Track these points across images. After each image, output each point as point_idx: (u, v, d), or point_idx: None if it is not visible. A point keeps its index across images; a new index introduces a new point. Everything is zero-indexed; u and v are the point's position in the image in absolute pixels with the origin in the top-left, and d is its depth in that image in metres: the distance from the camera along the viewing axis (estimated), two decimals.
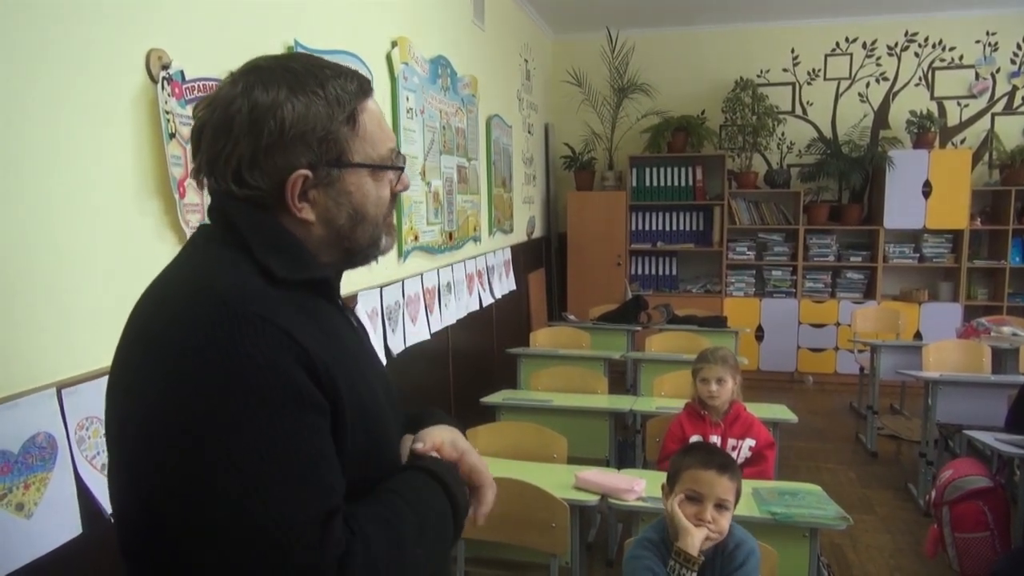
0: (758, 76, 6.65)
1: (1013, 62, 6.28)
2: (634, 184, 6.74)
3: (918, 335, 6.05)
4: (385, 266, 3.17)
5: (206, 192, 0.95)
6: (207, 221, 0.96)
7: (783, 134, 6.68)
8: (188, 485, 0.77)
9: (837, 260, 6.50)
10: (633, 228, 6.81)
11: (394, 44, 3.28)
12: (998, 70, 6.31)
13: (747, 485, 2.39)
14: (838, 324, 6.37)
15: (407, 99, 3.41)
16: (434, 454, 0.97)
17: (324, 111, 0.90)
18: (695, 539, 1.58)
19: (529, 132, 6.21)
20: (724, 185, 6.56)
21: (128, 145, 1.74)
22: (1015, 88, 6.28)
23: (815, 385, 6.47)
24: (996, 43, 6.28)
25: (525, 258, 5.93)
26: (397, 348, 3.19)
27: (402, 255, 3.34)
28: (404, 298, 3.31)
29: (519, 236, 5.81)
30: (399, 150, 1.01)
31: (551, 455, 2.73)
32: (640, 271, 6.91)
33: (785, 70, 6.68)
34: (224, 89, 0.90)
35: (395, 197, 1.02)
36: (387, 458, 0.95)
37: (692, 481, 1.69)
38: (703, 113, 6.76)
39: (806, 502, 2.23)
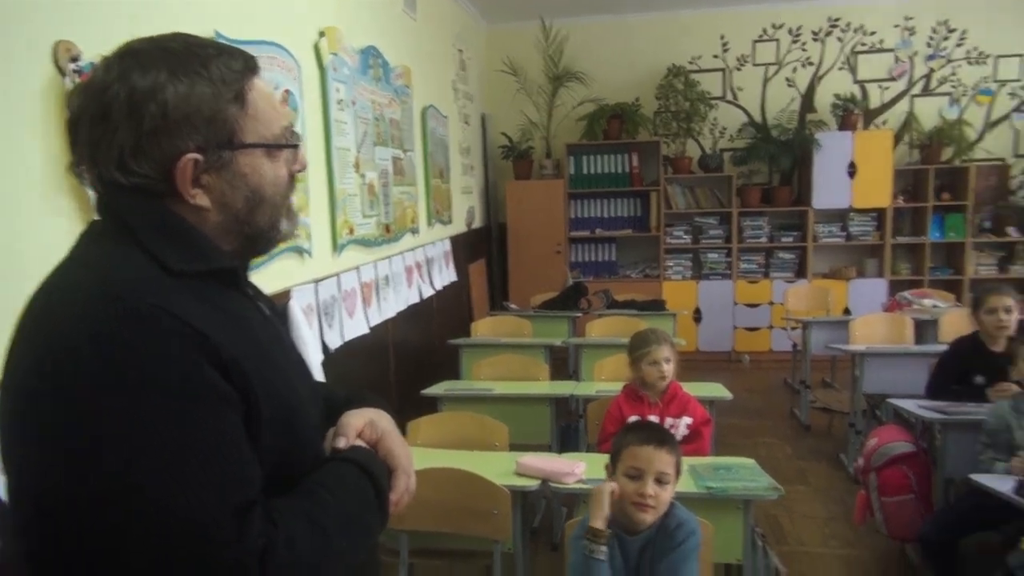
0: (689, 63, 6.77)
1: (929, 45, 6.53)
2: (572, 172, 6.79)
3: (847, 311, 6.25)
4: (320, 260, 3.13)
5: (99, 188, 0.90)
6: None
7: (715, 119, 6.82)
8: (95, 485, 0.74)
9: (770, 241, 6.68)
10: (572, 216, 6.87)
11: (322, 34, 3.23)
12: (915, 54, 6.56)
13: (685, 462, 2.43)
14: (772, 303, 6.56)
15: (337, 90, 3.36)
16: (359, 443, 0.96)
17: (209, 91, 0.87)
18: (601, 513, 1.59)
19: (466, 122, 6.19)
20: (660, 171, 6.67)
21: (36, 141, 1.67)
22: (932, 71, 6.55)
23: (751, 363, 6.65)
24: (913, 27, 6.53)
25: (465, 249, 5.92)
26: (334, 343, 3.15)
27: (337, 249, 3.30)
28: (340, 292, 3.27)
29: (458, 227, 5.79)
30: (293, 127, 0.98)
31: (493, 443, 2.74)
32: (580, 258, 6.98)
33: (715, 56, 6.82)
34: (98, 75, 0.86)
35: (293, 178, 0.98)
36: (308, 450, 0.93)
37: (632, 458, 1.72)
38: (637, 100, 6.84)
39: (740, 475, 2.30)
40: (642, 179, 6.76)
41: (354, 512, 0.89)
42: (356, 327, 3.44)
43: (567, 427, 3.74)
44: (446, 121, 5.47)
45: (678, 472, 1.75)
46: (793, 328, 5.57)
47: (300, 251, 2.94)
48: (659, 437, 1.77)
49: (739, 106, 6.83)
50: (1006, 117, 6.48)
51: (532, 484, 2.30)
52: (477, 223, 6.49)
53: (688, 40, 6.79)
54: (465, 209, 6.07)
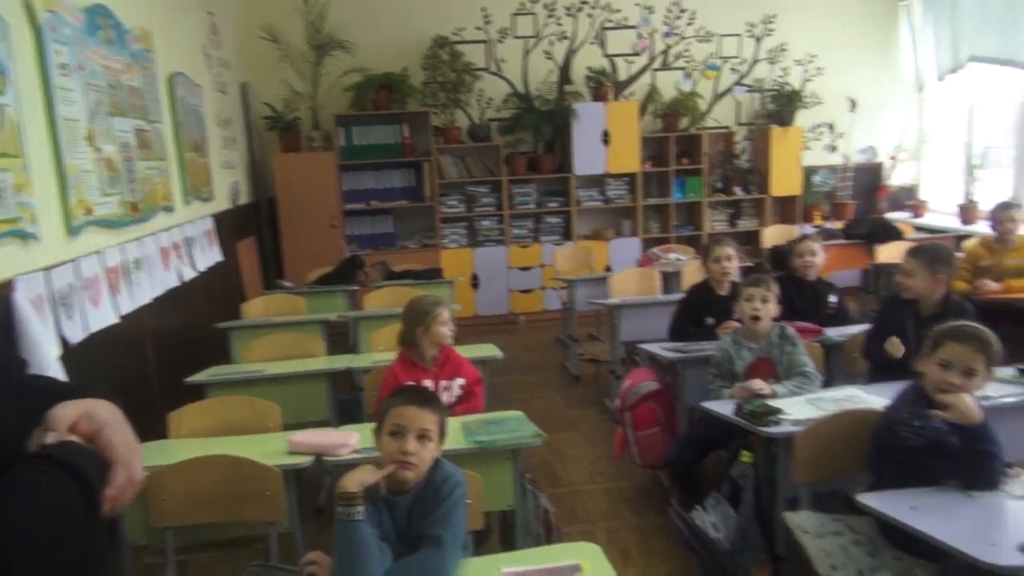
0: (454, 34, 6.86)
1: (665, 24, 7.19)
2: (343, 143, 6.65)
3: (608, 268, 6.80)
4: (50, 245, 2.80)
5: None
6: None
7: (481, 90, 7.00)
8: None
9: (538, 207, 7.05)
10: (345, 188, 6.74)
11: None
12: (654, 31, 7.19)
13: (458, 421, 2.56)
14: (542, 266, 6.95)
15: (59, 53, 2.99)
16: (71, 437, 0.88)
17: None
18: (354, 477, 1.62)
19: (223, 92, 5.80)
20: (431, 141, 6.74)
21: None
22: (668, 47, 7.22)
23: (527, 323, 7.02)
24: (652, 7, 7.14)
25: (232, 227, 5.59)
26: (76, 336, 2.85)
27: (72, 231, 2.97)
28: (80, 280, 2.96)
29: (222, 203, 5.45)
30: None
31: (266, 425, 2.66)
32: (357, 231, 6.89)
33: (478, 28, 6.97)
34: None
35: None
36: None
37: (396, 417, 1.75)
38: (406, 70, 6.81)
39: (508, 427, 2.45)
40: (414, 149, 6.79)
41: (42, 518, 0.78)
42: (103, 317, 3.13)
43: (348, 401, 3.71)
44: (199, 90, 5.09)
45: (443, 432, 1.82)
46: (562, 288, 5.94)
47: (23, 236, 2.60)
48: (422, 397, 1.83)
49: (503, 77, 7.06)
50: (729, 90, 7.35)
51: (304, 461, 2.28)
52: (244, 199, 6.14)
53: (451, 11, 6.88)
54: (228, 184, 5.71)
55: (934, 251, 3.06)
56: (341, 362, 3.52)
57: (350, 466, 2.24)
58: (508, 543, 2.50)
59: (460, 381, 2.91)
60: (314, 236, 6.47)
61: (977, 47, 6.39)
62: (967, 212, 6.44)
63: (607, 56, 7.15)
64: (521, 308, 7.06)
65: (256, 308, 4.58)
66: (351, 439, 2.32)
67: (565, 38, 7.09)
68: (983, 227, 5.26)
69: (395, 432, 1.73)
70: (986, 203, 6.15)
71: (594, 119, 6.81)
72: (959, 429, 1.95)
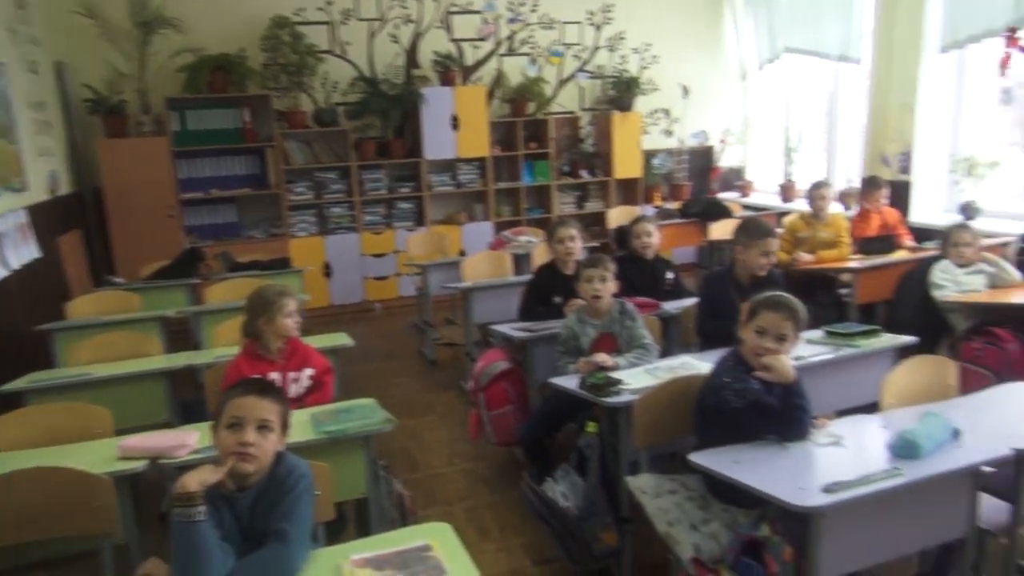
0: (294, 15, 6.59)
1: (510, 10, 7.28)
2: (176, 128, 6.25)
3: (463, 252, 6.84)
4: None
5: None
6: None
7: (326, 73, 6.79)
8: None
9: (389, 193, 6.96)
10: (182, 176, 6.35)
11: None
12: (499, 17, 7.26)
13: (306, 412, 2.51)
14: (396, 252, 6.89)
15: None
16: None
17: None
18: (194, 476, 1.57)
19: (33, 72, 5.26)
20: (274, 126, 6.48)
21: None
22: (513, 33, 7.32)
23: (383, 311, 6.95)
24: None
25: (52, 219, 5.11)
26: None
27: None
28: None
29: (38, 195, 4.97)
30: None
31: (94, 432, 2.47)
32: (197, 222, 6.52)
33: (320, 9, 6.74)
34: None
35: None
36: None
37: (234, 408, 1.69)
38: (243, 51, 6.47)
39: (358, 415, 2.42)
40: (256, 135, 6.50)
41: None
42: None
43: (190, 401, 3.52)
44: (4, 69, 4.59)
45: (285, 424, 1.78)
46: (416, 273, 5.92)
47: None
48: (261, 387, 1.78)
49: (348, 60, 6.89)
50: (573, 76, 7.58)
51: (138, 466, 2.15)
52: (65, 189, 5.63)
53: None
54: (45, 174, 5.21)
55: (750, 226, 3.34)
56: (180, 360, 3.33)
57: (191, 469, 2.15)
58: (364, 531, 2.49)
59: (309, 372, 2.84)
60: (148, 228, 6.04)
61: (791, 39, 6.98)
62: (786, 191, 7.04)
63: (453, 41, 7.15)
64: (376, 295, 6.97)
65: (83, 307, 4.23)
66: (189, 439, 2.21)
67: (411, 21, 7.01)
68: (802, 204, 5.77)
69: (233, 424, 1.67)
70: (803, 182, 6.76)
71: (443, 104, 6.80)
72: (775, 388, 2.15)
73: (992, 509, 2.11)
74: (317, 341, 3.32)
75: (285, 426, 1.78)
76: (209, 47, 6.29)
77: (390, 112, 6.77)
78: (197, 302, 4.77)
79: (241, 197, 6.59)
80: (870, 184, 5.07)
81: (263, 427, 1.68)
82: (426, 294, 5.36)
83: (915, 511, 1.92)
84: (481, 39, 7.24)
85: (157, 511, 3.16)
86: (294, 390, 2.80)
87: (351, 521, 2.63)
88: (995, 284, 3.76)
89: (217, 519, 1.61)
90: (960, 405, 2.38)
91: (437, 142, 6.84)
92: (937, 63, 5.48)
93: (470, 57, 7.23)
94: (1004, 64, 4.90)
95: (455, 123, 6.86)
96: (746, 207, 7.16)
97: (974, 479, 1.99)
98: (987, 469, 2.01)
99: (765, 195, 7.59)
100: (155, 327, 3.90)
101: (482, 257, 5.16)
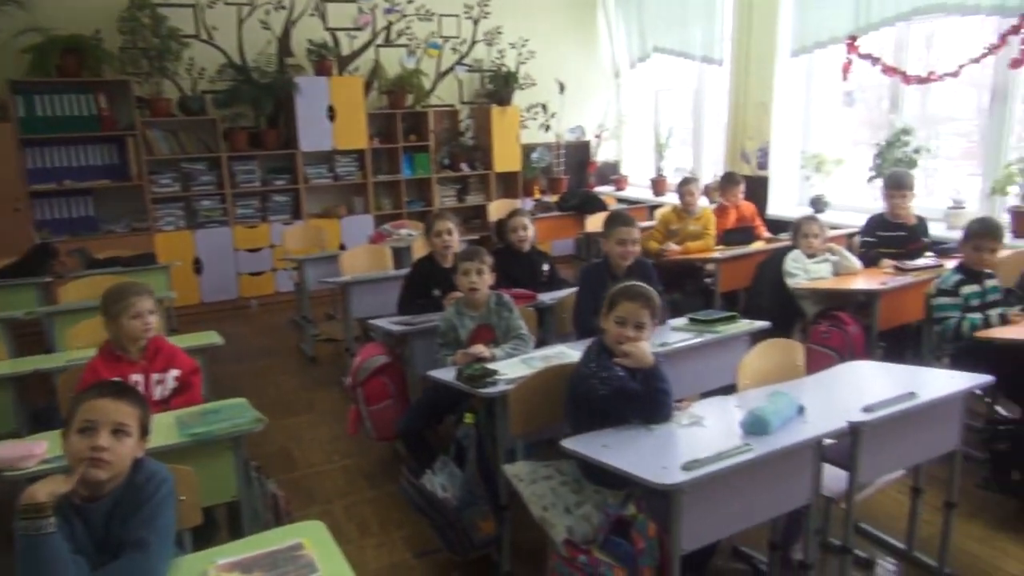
0: None
1: (387, 1, 7.18)
2: (22, 114, 5.76)
3: (343, 246, 6.72)
4: None
5: None
6: None
7: (191, 59, 6.46)
8: None
9: (263, 185, 6.73)
10: (31, 166, 5.87)
11: None
12: (375, 6, 7.15)
13: (171, 415, 2.40)
14: (272, 246, 6.67)
15: None
16: None
17: None
18: (43, 487, 1.48)
19: None
20: (135, 114, 6.10)
21: None
22: (390, 23, 7.24)
23: (260, 307, 6.71)
24: None
25: None
26: None
27: None
28: None
29: None
30: None
31: None
32: (49, 215, 6.05)
33: None
34: None
35: None
36: None
37: (86, 412, 1.59)
38: (98, 33, 6.04)
39: (226, 416, 2.34)
40: (115, 123, 6.10)
41: None
42: None
43: (43, 409, 3.28)
44: None
45: (145, 428, 1.70)
46: (293, 268, 5.76)
47: None
48: (117, 389, 1.69)
49: (216, 46, 6.58)
50: (452, 69, 7.59)
51: None
52: None
53: None
54: None
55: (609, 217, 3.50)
56: (29, 364, 3.09)
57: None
58: (237, 535, 2.41)
59: (175, 372, 2.72)
60: None
61: (659, 40, 7.29)
62: (657, 185, 7.36)
63: (328, 30, 6.98)
64: (252, 291, 6.72)
65: None
66: (37, 449, 2.06)
67: (282, 7, 6.79)
68: (672, 197, 6.06)
69: (85, 428, 1.57)
70: (673, 176, 7.10)
71: (318, 94, 6.64)
72: (638, 374, 2.26)
73: (833, 478, 2.30)
74: (185, 340, 3.18)
75: (144, 431, 1.70)
76: (59, 27, 5.83)
77: (262, 101, 6.52)
78: (50, 302, 4.42)
79: (99, 189, 6.16)
80: (728, 180, 5.39)
81: (119, 431, 1.60)
82: (304, 289, 5.22)
83: (765, 483, 2.08)
84: (357, 29, 7.11)
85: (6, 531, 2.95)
86: (159, 392, 2.67)
87: (223, 526, 2.55)
88: (839, 272, 4.09)
89: (68, 531, 1.52)
90: (806, 384, 2.58)
91: (313, 133, 6.66)
92: (789, 66, 5.89)
93: (346, 47, 7.09)
94: (846, 70, 5.34)
95: (331, 114, 6.71)
96: (621, 200, 7.43)
97: (817, 451, 2.17)
98: (828, 441, 2.20)
99: (639, 189, 7.90)
100: (0, 329, 3.60)
101: (361, 251, 5.08)
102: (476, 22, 7.59)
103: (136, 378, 2.64)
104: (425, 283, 3.70)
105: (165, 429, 2.24)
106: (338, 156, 6.96)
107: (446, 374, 2.81)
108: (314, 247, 5.93)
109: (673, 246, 4.97)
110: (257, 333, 5.99)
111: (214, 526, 2.46)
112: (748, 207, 5.38)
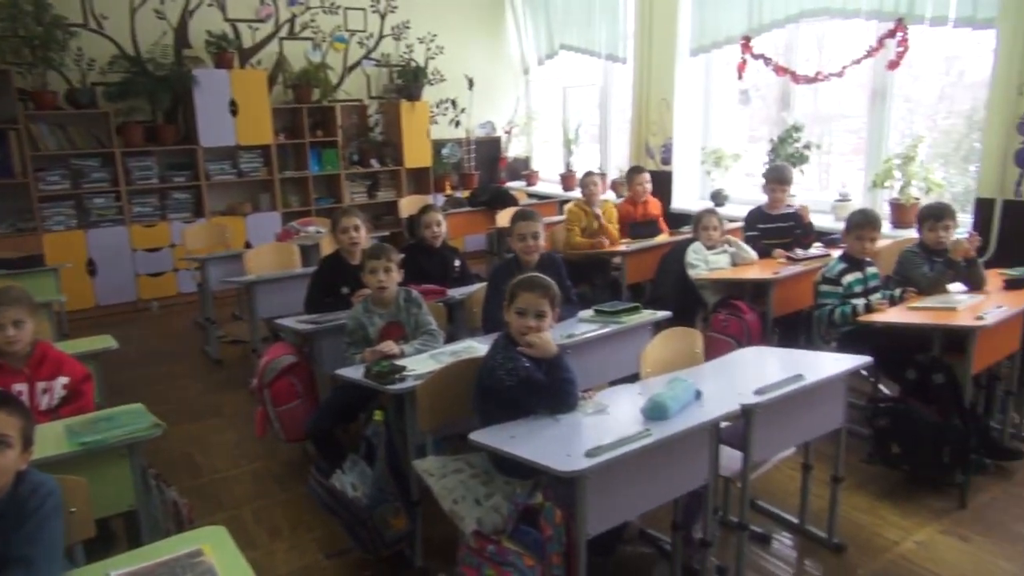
0: None
1: None
2: None
3: (248, 245, 6.53)
4: None
5: None
6: None
7: (79, 49, 6.13)
8: None
9: (162, 182, 6.45)
10: None
11: None
12: None
13: (60, 424, 2.28)
14: (172, 245, 6.41)
15: None
16: None
17: None
18: None
19: None
20: (17, 106, 5.73)
21: None
22: (294, 16, 7.06)
23: (161, 309, 6.45)
24: None
25: None
26: None
27: None
28: None
29: None
30: None
31: None
32: None
33: None
34: None
35: None
36: None
37: None
38: None
39: (120, 423, 2.24)
40: None
41: None
42: None
43: None
44: None
45: (28, 439, 1.61)
46: (195, 268, 5.56)
47: None
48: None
49: (107, 36, 6.26)
50: (359, 63, 7.48)
51: None
52: None
53: None
54: None
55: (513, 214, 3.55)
56: None
57: None
58: (136, 545, 2.31)
59: (63, 380, 2.58)
60: None
61: (566, 37, 7.41)
62: (566, 180, 7.48)
63: (229, 21, 6.75)
64: (152, 293, 6.45)
65: None
66: None
67: None
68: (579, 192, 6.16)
69: None
70: (582, 172, 7.22)
71: (219, 87, 6.41)
72: (542, 364, 2.31)
73: (730, 458, 2.42)
74: (76, 346, 3.03)
75: (28, 441, 1.62)
76: None
77: (158, 95, 6.26)
78: None
79: None
80: (633, 172, 5.53)
81: (2, 443, 1.52)
82: (206, 290, 5.05)
83: (665, 466, 2.16)
84: (260, 20, 6.91)
85: None
86: (45, 402, 2.53)
87: (121, 537, 2.44)
88: (737, 263, 4.28)
89: None
90: (704, 370, 2.70)
91: (214, 128, 6.44)
92: (689, 65, 6.11)
93: (248, 39, 6.87)
94: (741, 69, 5.57)
95: (234, 108, 6.50)
96: (531, 195, 7.52)
97: (713, 433, 2.27)
98: (724, 424, 2.31)
99: (549, 184, 8.01)
100: None
101: (267, 249, 4.96)
102: (383, 16, 7.50)
103: (19, 388, 2.50)
104: (333, 281, 3.65)
105: (54, 439, 2.13)
106: (242, 152, 6.75)
107: (355, 372, 2.79)
108: (218, 246, 5.74)
109: (581, 240, 5.06)
110: (158, 336, 5.75)
111: (111, 538, 2.36)
112: (654, 202, 5.53)
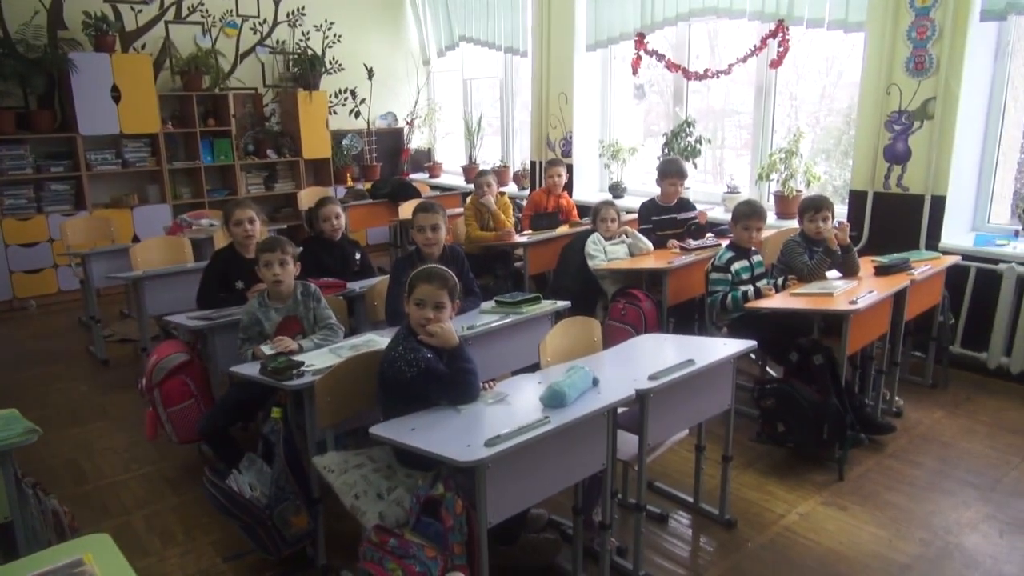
0: None
1: None
2: None
3: (136, 238, 6.21)
4: None
5: None
6: None
7: None
8: None
9: (37, 172, 6.04)
10: None
11: None
12: None
13: None
14: (51, 240, 6.02)
15: None
16: None
17: None
18: None
19: None
20: None
21: None
22: None
23: (40, 308, 6.05)
24: None
25: None
26: None
27: None
28: None
29: None
30: None
31: None
32: None
33: None
34: None
35: None
36: None
37: None
38: None
39: None
40: None
41: None
42: None
43: None
44: None
45: None
46: (77, 264, 5.24)
47: None
48: None
49: None
50: (252, 50, 7.21)
51: None
52: None
53: None
54: None
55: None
56: None
57: None
58: (13, 558, 2.18)
59: None
60: None
61: (466, 29, 7.40)
62: (469, 172, 7.49)
63: (108, 1, 6.37)
64: (30, 291, 6.04)
65: None
66: None
67: None
68: None
69: None
70: (485, 163, 7.25)
71: (99, 72, 6.05)
72: (443, 355, 2.32)
73: (627, 442, 2.51)
74: None
75: None
76: None
77: (31, 79, 5.84)
78: None
79: None
80: (550, 165, 5.55)
81: None
82: (89, 286, 4.77)
83: (564, 452, 2.21)
84: (143, 3, 6.55)
85: None
86: None
87: None
88: (634, 253, 4.41)
89: None
90: (602, 357, 2.77)
91: (95, 115, 6.07)
92: (586, 59, 6.22)
93: (131, 22, 6.50)
94: (636, 65, 5.73)
95: (116, 94, 6.14)
96: (434, 187, 7.48)
97: (610, 419, 2.34)
98: (622, 409, 2.39)
99: (452, 176, 7.99)
100: None
101: (155, 243, 4.73)
102: (277, 2, 7.26)
103: None
104: (226, 275, 3.53)
105: None
106: (126, 140, 6.39)
107: (250, 369, 2.71)
108: (102, 240, 5.44)
109: (481, 232, 5.07)
110: (38, 337, 5.39)
111: None
112: (568, 200, 5.58)
